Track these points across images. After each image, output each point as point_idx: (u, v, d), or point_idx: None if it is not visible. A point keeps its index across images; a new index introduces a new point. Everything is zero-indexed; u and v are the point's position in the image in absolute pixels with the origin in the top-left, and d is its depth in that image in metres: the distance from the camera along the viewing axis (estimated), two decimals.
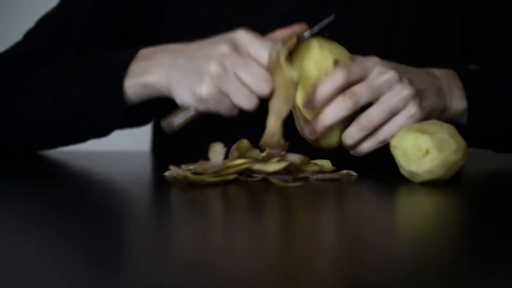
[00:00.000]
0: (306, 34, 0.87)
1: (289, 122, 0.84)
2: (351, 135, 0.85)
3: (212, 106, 0.85)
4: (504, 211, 0.68)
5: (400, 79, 0.84)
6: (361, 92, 0.83)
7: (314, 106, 0.83)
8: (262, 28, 1.03)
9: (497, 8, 1.08)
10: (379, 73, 0.84)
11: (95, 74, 0.93)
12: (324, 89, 0.83)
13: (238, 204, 0.71)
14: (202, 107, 0.86)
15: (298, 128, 0.86)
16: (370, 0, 1.05)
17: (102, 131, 0.98)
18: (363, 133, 0.85)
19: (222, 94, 0.84)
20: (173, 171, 0.75)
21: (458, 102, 0.90)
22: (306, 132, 0.85)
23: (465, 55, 1.11)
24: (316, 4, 1.03)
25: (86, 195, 0.76)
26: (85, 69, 0.94)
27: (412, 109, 0.84)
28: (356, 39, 1.02)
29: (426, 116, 0.85)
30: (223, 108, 0.85)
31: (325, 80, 0.84)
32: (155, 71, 0.89)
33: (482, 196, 0.78)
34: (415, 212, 0.69)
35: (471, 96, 0.90)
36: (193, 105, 0.86)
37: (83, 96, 0.93)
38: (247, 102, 0.83)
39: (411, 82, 0.85)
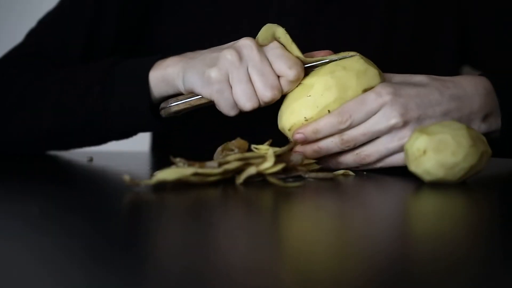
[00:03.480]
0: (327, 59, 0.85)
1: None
2: (346, 164, 0.86)
3: (215, 91, 0.84)
4: (506, 212, 0.69)
5: (405, 125, 0.83)
6: (359, 138, 0.83)
7: (306, 141, 0.84)
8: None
9: (495, 9, 1.08)
10: (383, 117, 0.82)
11: (119, 73, 0.92)
12: (321, 131, 0.83)
13: (239, 205, 0.71)
14: (206, 90, 0.85)
15: None
16: (369, 2, 1.05)
17: (125, 132, 0.96)
18: (356, 165, 0.85)
19: (228, 83, 0.84)
20: (171, 171, 0.75)
21: (481, 127, 0.87)
22: (295, 136, 0.84)
23: (463, 55, 1.11)
24: (315, 4, 1.04)
25: (85, 195, 0.76)
26: (104, 72, 0.93)
27: None
28: (354, 41, 1.02)
29: None
30: (223, 100, 0.84)
31: (324, 122, 0.83)
32: (175, 62, 0.88)
33: (483, 196, 0.78)
34: (419, 213, 0.70)
35: (506, 115, 0.88)
36: (198, 88, 0.86)
37: (101, 99, 0.92)
38: (246, 100, 0.83)
39: (419, 124, 0.83)
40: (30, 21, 1.09)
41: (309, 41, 1.02)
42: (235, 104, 0.84)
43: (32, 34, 1.07)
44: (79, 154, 1.07)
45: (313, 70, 0.86)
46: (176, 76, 0.88)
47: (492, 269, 0.47)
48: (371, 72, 0.85)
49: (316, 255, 0.50)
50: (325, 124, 0.83)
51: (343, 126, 0.82)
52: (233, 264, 0.47)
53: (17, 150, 1.02)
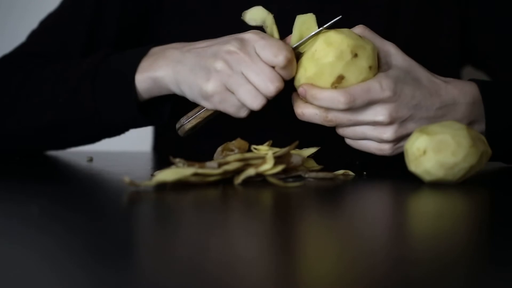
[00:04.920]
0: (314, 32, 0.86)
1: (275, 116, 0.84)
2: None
3: (217, 103, 0.85)
4: (505, 211, 0.69)
5: (391, 123, 0.83)
6: (342, 121, 0.84)
7: (304, 99, 0.83)
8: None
9: (496, 8, 1.08)
10: (372, 112, 0.83)
11: (105, 72, 0.92)
12: (321, 100, 0.82)
13: (239, 205, 0.71)
14: (208, 104, 0.86)
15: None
16: (370, 2, 1.05)
17: (116, 129, 0.97)
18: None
19: (228, 91, 0.84)
20: (170, 172, 0.75)
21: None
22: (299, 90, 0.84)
23: (463, 55, 1.11)
24: (316, 3, 1.04)
25: (86, 195, 0.77)
26: (94, 68, 0.93)
27: (384, 147, 0.85)
28: None
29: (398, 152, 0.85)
30: (229, 106, 0.85)
31: (327, 94, 0.82)
32: (163, 65, 0.89)
33: (483, 196, 0.78)
34: (419, 213, 0.70)
35: (491, 118, 0.89)
36: (200, 102, 0.86)
37: (91, 95, 0.92)
38: (252, 100, 0.83)
39: (402, 126, 0.84)
40: (30, 21, 1.09)
41: None
42: (242, 106, 0.85)
43: (33, 35, 1.07)
44: (79, 154, 1.07)
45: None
46: (168, 82, 0.88)
47: (492, 269, 0.47)
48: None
49: (316, 255, 0.50)
50: (327, 96, 0.82)
51: (342, 106, 0.82)
52: (233, 263, 0.47)
53: (15, 146, 1.02)
